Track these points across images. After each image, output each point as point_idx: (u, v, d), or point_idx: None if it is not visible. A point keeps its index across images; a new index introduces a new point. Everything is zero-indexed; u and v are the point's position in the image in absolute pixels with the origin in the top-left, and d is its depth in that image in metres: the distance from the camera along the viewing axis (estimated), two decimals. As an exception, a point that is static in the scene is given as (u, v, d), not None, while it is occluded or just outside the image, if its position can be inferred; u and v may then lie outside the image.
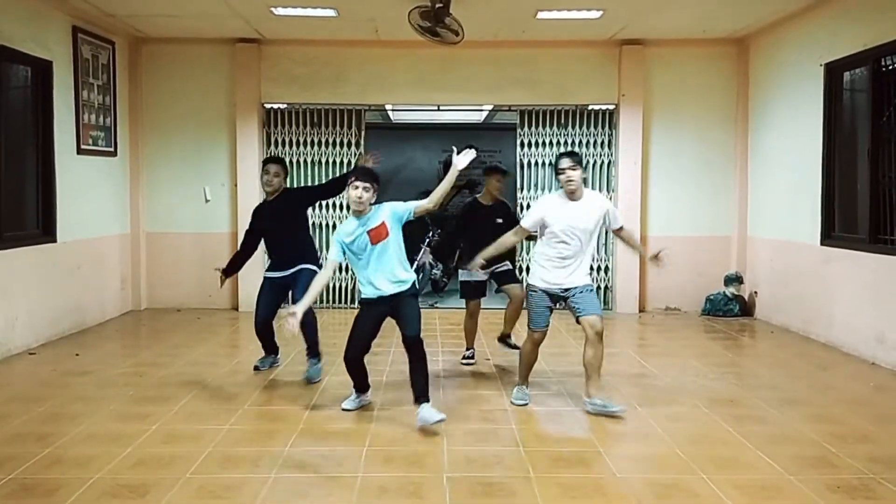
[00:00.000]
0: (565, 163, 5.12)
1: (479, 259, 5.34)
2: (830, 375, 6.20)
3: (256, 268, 9.10)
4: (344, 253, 4.88)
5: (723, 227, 9.19)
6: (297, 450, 4.31)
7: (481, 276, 6.19)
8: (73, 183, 7.62)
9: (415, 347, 4.77)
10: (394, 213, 4.85)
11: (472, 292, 6.39)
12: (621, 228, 5.38)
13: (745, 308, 8.85)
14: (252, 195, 9.01)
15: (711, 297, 8.96)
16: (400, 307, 4.83)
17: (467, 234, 6.39)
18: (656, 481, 3.88)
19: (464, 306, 6.55)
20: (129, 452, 4.21)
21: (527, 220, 5.27)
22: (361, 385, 5.12)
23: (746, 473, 3.99)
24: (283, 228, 5.92)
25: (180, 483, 3.80)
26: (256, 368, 6.18)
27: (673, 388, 5.70)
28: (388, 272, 4.80)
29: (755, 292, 8.80)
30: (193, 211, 9.18)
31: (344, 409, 5.03)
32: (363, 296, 4.95)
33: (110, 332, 7.88)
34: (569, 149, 9.19)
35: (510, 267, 6.44)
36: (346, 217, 9.18)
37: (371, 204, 4.80)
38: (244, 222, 8.91)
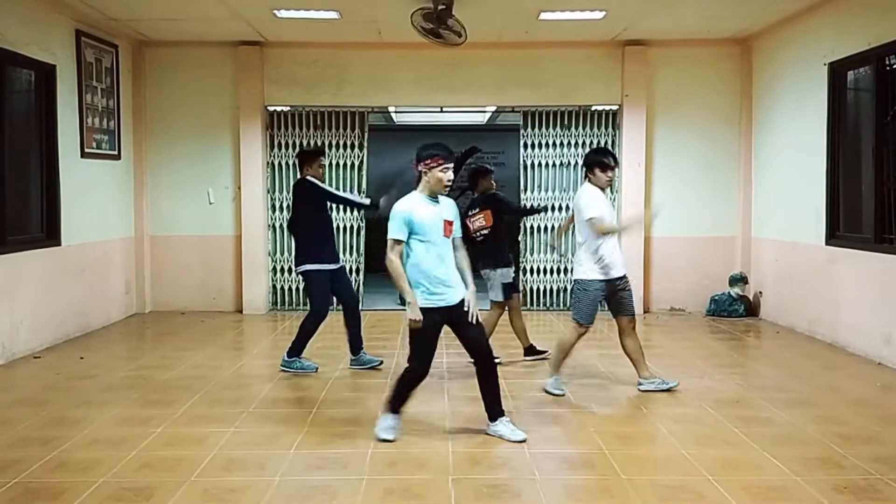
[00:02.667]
0: (613, 162, 5.45)
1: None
2: (836, 376, 6.18)
3: (259, 271, 9.13)
4: (409, 234, 4.30)
5: (727, 228, 9.17)
6: (302, 452, 4.30)
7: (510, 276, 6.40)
8: (78, 186, 7.63)
9: (489, 359, 4.53)
10: (457, 217, 4.55)
11: (511, 289, 6.45)
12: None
13: (750, 308, 8.83)
14: (256, 197, 9.03)
15: (716, 298, 8.93)
16: (461, 314, 4.41)
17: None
18: (662, 483, 3.86)
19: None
20: (134, 456, 4.21)
21: (606, 217, 5.35)
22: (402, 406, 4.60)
23: (753, 474, 3.97)
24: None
25: (185, 486, 3.79)
26: (374, 363, 6.27)
27: (678, 389, 5.69)
28: (455, 273, 4.45)
29: (760, 293, 8.77)
30: (197, 214, 9.19)
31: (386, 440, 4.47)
32: (436, 303, 4.34)
33: (115, 336, 7.88)
34: (572, 148, 9.21)
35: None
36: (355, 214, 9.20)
37: None
38: (248, 224, 9.05)
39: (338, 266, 6.23)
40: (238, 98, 9.04)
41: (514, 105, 9.37)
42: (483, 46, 8.68)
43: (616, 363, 6.51)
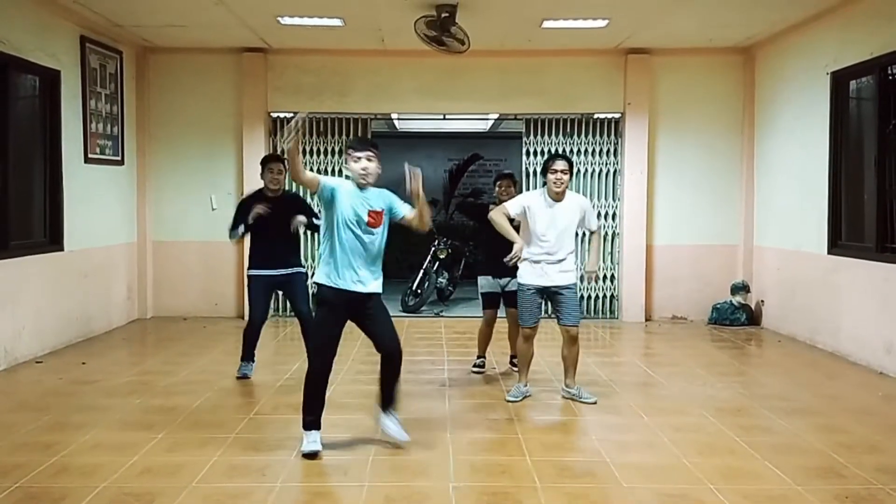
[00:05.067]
0: (560, 165, 5.34)
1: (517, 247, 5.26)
2: (838, 385, 6.17)
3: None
4: (330, 201, 4.28)
5: (729, 236, 9.17)
6: (304, 459, 4.29)
7: (500, 286, 6.22)
8: (81, 191, 7.65)
9: (397, 359, 4.47)
10: (391, 207, 4.47)
11: (489, 302, 6.35)
12: (593, 233, 5.64)
13: (752, 317, 8.82)
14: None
15: (718, 306, 8.93)
16: (374, 312, 4.43)
17: (481, 236, 6.42)
18: (663, 492, 3.86)
19: (468, 315, 6.56)
20: (135, 461, 4.21)
21: (512, 206, 5.42)
22: (318, 416, 4.46)
23: (754, 484, 3.97)
24: (282, 227, 5.90)
25: (186, 492, 3.79)
26: (245, 377, 6.12)
27: (679, 397, 5.68)
28: (372, 265, 4.39)
29: (762, 301, 8.77)
30: (200, 220, 9.20)
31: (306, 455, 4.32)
32: (335, 285, 4.30)
33: (117, 341, 7.89)
34: (575, 156, 9.21)
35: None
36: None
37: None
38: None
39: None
40: (241, 104, 9.07)
41: (516, 113, 9.40)
42: (486, 54, 8.71)
43: (616, 371, 6.51)
